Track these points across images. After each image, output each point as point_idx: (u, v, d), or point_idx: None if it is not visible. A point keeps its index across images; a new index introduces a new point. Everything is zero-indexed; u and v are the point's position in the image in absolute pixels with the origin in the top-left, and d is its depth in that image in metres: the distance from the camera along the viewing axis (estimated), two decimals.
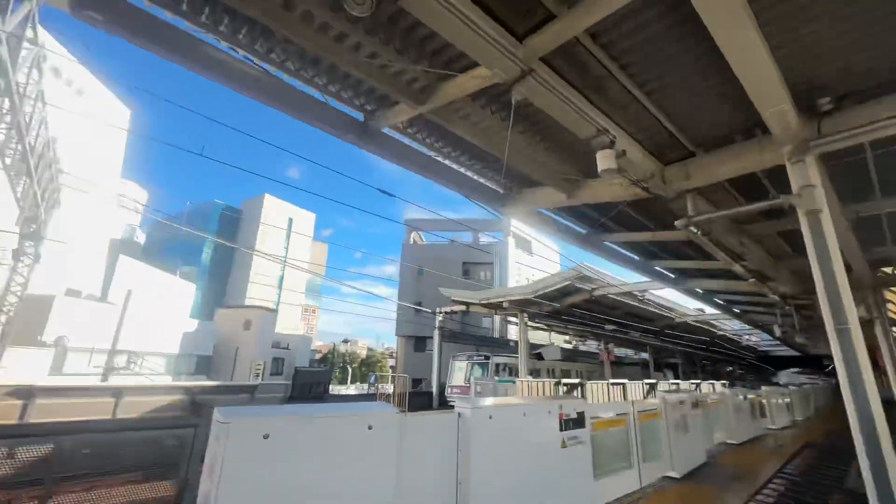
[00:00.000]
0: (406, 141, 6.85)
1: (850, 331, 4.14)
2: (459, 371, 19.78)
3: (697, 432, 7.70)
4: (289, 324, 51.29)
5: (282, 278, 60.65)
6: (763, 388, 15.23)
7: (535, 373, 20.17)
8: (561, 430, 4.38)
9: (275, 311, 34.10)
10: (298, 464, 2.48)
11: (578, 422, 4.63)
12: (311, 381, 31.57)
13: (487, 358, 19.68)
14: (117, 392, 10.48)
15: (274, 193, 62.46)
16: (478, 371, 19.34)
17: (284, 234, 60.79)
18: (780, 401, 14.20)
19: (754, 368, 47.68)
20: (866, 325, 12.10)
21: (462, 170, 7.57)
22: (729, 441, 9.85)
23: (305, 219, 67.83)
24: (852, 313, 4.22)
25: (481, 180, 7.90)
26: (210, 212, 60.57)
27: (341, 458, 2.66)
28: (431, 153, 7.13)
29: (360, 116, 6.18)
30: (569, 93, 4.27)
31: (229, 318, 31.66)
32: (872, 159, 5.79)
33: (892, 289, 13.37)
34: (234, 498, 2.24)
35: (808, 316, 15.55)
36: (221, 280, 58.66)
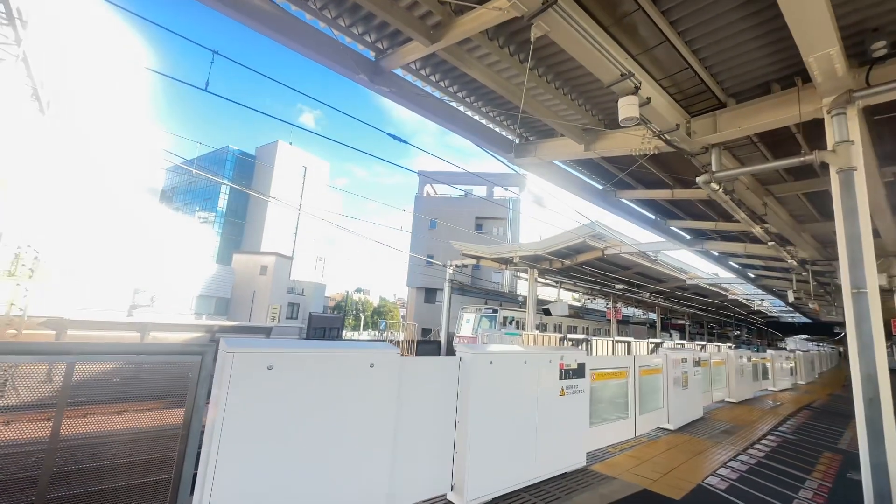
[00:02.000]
0: (419, 84, 6.57)
1: (867, 295, 4.01)
2: (468, 323, 20.27)
3: (697, 389, 7.86)
4: (303, 271, 52.67)
5: (297, 226, 61.47)
6: (768, 351, 15.31)
7: (541, 327, 20.60)
8: (560, 378, 4.48)
9: (290, 258, 34.86)
10: (300, 396, 2.56)
11: (578, 372, 4.73)
12: (325, 326, 32.88)
13: (495, 311, 20.05)
14: (143, 327, 11.02)
15: (286, 142, 61.82)
16: (486, 323, 19.80)
17: (300, 182, 60.81)
18: (783, 364, 14.30)
19: (762, 333, 47.78)
20: (885, 293, 11.84)
21: (476, 117, 7.27)
22: (728, 399, 10.07)
23: (319, 167, 67.49)
24: (872, 278, 4.07)
25: (496, 129, 7.61)
26: (224, 157, 60.51)
27: (343, 393, 2.76)
28: (445, 98, 6.84)
29: (371, 56, 5.88)
30: (593, 29, 3.93)
31: (246, 263, 32.59)
32: None
33: None
34: (238, 426, 2.32)
35: (824, 283, 15.24)
36: (238, 227, 59.80)
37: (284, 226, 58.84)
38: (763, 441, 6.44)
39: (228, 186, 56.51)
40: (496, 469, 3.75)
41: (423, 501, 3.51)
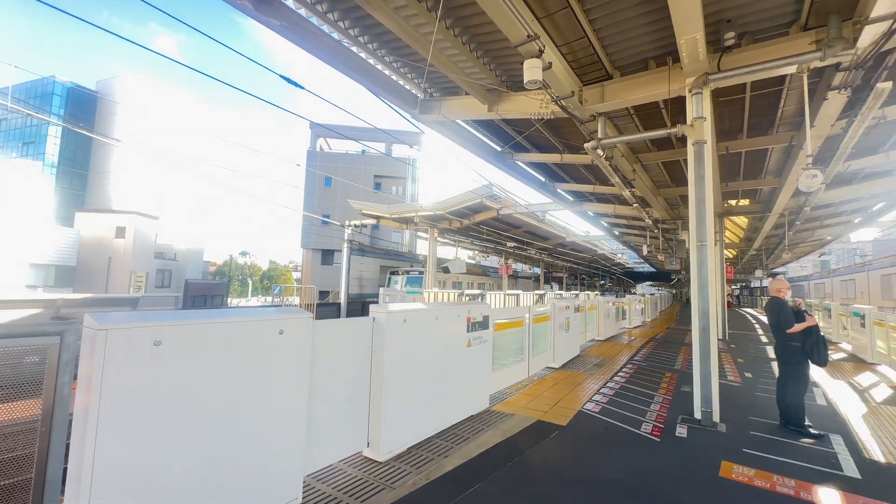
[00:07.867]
0: (315, 22, 5.85)
1: (706, 247, 4.96)
2: (396, 284, 22.52)
3: (576, 331, 9.07)
4: (175, 234, 45.78)
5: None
6: (627, 296, 18.28)
7: (441, 284, 21.63)
8: (468, 331, 4.74)
9: (154, 218, 29.92)
10: (199, 373, 2.24)
11: (483, 324, 5.04)
12: (205, 293, 29.52)
13: (421, 273, 21.44)
14: None
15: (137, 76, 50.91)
16: (413, 284, 21.34)
17: (160, 126, 51.14)
18: (636, 306, 17.25)
19: (620, 282, 56.78)
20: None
21: (379, 66, 6.82)
22: (597, 338, 11.86)
23: (186, 110, 57.55)
24: (711, 234, 5.03)
25: (399, 81, 7.27)
26: (49, 91, 47.67)
27: (250, 365, 2.51)
28: (345, 41, 6.24)
29: None
30: None
31: (95, 224, 27.06)
32: (749, 100, 6.54)
33: (731, 218, 16.36)
34: (120, 417, 1.96)
35: (669, 238, 18.50)
36: (80, 180, 48.63)
37: (143, 179, 49.63)
38: (623, 370, 7.79)
39: (61, 128, 45.17)
40: (410, 421, 3.88)
41: (339, 461, 3.50)
